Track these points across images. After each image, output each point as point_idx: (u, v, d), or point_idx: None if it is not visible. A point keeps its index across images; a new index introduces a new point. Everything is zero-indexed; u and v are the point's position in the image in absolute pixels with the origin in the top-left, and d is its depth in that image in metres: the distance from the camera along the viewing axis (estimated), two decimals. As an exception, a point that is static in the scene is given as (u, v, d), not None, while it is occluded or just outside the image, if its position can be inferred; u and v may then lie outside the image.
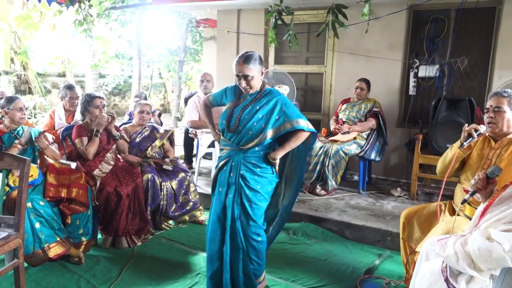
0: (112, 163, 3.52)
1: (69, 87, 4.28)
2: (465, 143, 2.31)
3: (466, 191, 2.08)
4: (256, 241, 2.48)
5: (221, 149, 2.60)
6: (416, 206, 2.68)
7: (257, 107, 2.44)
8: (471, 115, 3.92)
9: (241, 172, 2.44)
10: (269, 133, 2.42)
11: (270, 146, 2.51)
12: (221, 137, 2.59)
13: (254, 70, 2.39)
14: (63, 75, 12.62)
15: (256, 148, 2.45)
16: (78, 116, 4.13)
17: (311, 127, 2.49)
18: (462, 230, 2.10)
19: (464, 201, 2.07)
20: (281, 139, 2.51)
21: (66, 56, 12.67)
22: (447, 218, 2.45)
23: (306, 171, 3.84)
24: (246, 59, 2.37)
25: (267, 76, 5.51)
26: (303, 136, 2.49)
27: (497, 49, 4.36)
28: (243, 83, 2.42)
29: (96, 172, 3.40)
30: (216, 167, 2.58)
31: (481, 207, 1.97)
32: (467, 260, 1.71)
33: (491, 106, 2.34)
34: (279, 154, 2.48)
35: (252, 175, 2.45)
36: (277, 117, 2.44)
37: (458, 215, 2.42)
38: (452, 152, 2.41)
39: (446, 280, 1.78)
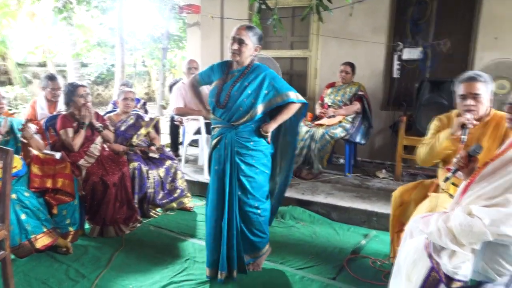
0: (97, 154, 3.48)
1: (51, 78, 4.20)
2: (464, 138, 2.22)
3: (449, 169, 2.12)
4: (256, 214, 2.57)
5: (212, 128, 2.62)
6: (409, 184, 2.68)
7: (246, 83, 2.46)
8: (454, 97, 3.96)
9: (235, 148, 2.48)
10: (260, 108, 2.46)
11: (261, 120, 2.53)
12: (212, 115, 2.59)
13: (250, 40, 2.42)
14: (43, 65, 12.36)
15: (248, 123, 2.48)
16: (61, 106, 4.07)
17: (301, 98, 2.52)
18: (445, 208, 2.16)
19: (446, 179, 2.11)
20: (272, 111, 2.54)
21: (46, 45, 12.40)
22: (430, 197, 2.50)
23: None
24: (248, 27, 2.44)
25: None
26: (294, 108, 2.52)
27: (479, 30, 4.42)
28: (235, 45, 2.42)
29: (81, 162, 3.37)
30: (210, 147, 2.62)
31: (463, 184, 2.02)
32: (449, 235, 1.76)
33: (469, 93, 2.29)
34: (271, 127, 2.51)
35: (246, 150, 2.50)
36: (266, 92, 2.46)
37: (445, 191, 2.47)
38: (445, 144, 2.36)
39: (430, 256, 1.83)
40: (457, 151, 2.26)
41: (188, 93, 2.81)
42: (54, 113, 4.05)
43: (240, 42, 2.41)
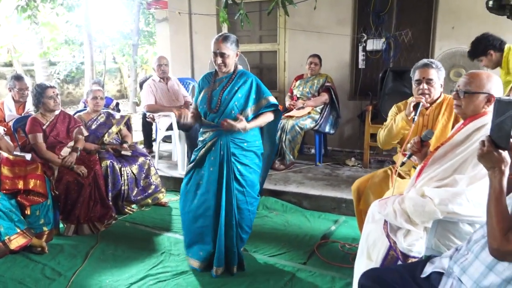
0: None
1: (17, 78, 4.14)
2: (415, 117, 2.40)
3: (404, 154, 2.26)
4: (249, 211, 2.73)
5: (203, 132, 2.75)
6: (365, 176, 2.83)
7: (236, 88, 2.64)
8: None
9: (230, 149, 2.62)
10: (250, 111, 2.63)
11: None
12: (204, 120, 2.73)
13: (230, 50, 2.57)
14: (9, 64, 12.02)
15: None
16: (29, 106, 4.03)
17: (276, 101, 2.73)
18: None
19: (402, 164, 2.27)
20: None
21: (11, 45, 12.04)
22: (397, 183, 2.64)
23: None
24: (224, 38, 2.56)
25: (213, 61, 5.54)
26: (271, 117, 2.71)
27: (438, 20, 4.62)
28: (219, 60, 2.57)
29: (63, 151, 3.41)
30: (199, 149, 2.72)
31: (418, 168, 2.17)
32: (404, 216, 1.91)
33: (423, 78, 2.48)
34: (250, 125, 2.59)
35: (241, 151, 2.65)
36: (254, 96, 2.66)
37: (402, 177, 2.63)
38: (400, 125, 2.53)
39: (387, 236, 1.97)
40: (412, 131, 2.44)
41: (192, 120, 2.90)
42: (23, 114, 4.02)
43: (222, 55, 2.56)
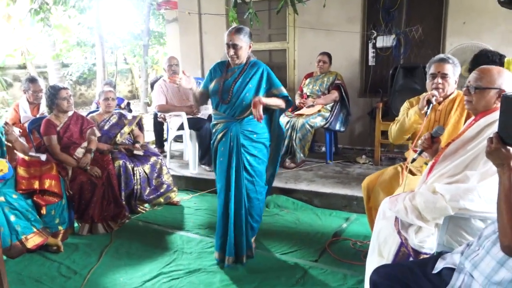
0: (81, 156, 3.53)
1: (32, 80, 4.22)
2: (428, 111, 2.41)
3: (415, 151, 2.26)
4: (258, 200, 2.81)
5: (215, 124, 2.82)
6: (375, 173, 2.82)
7: (247, 79, 2.69)
8: (426, 81, 4.11)
9: (240, 140, 2.68)
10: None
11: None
12: (215, 111, 2.80)
13: (243, 41, 2.62)
14: (23, 67, 12.22)
15: (251, 116, 2.68)
16: (43, 108, 4.11)
17: (287, 93, 2.80)
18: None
19: (413, 160, 2.26)
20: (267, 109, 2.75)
21: (25, 47, 12.25)
22: (408, 180, 2.64)
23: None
24: (237, 30, 2.62)
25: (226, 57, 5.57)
26: (284, 102, 2.76)
27: (448, 16, 4.57)
28: (231, 51, 2.64)
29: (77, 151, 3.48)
30: (213, 141, 2.82)
31: (429, 164, 2.17)
32: (415, 212, 1.91)
33: (438, 72, 2.48)
34: (265, 100, 2.63)
35: (250, 142, 2.71)
36: (265, 85, 2.71)
37: (413, 174, 2.63)
38: (413, 118, 2.53)
39: (398, 233, 1.97)
40: (423, 126, 2.44)
41: (196, 103, 3.00)
42: (37, 115, 4.10)
43: (235, 46, 2.62)
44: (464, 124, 2.46)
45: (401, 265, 1.69)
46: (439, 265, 1.52)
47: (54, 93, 3.47)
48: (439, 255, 1.61)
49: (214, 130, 2.83)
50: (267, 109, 2.77)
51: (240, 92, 2.67)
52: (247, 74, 2.70)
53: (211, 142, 2.88)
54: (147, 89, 11.39)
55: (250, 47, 2.71)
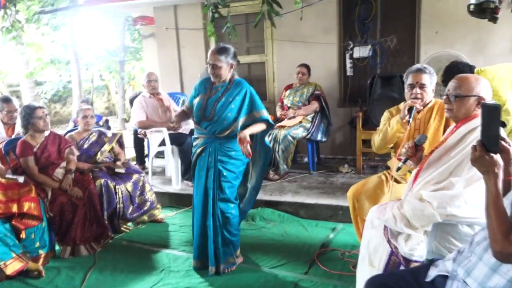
0: (61, 178, 3.44)
1: (5, 100, 4.10)
2: (410, 119, 2.46)
3: (400, 159, 2.29)
4: (232, 215, 2.82)
5: (196, 138, 2.89)
6: (359, 182, 2.85)
7: (230, 99, 2.75)
8: (403, 90, 4.19)
9: (218, 156, 2.75)
10: (241, 121, 2.75)
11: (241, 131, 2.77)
12: (197, 126, 2.86)
13: (223, 62, 2.68)
14: (-5, 86, 11.92)
15: (231, 135, 2.75)
16: (18, 128, 3.99)
17: (268, 116, 2.86)
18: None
19: (398, 169, 2.29)
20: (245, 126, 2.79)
21: (-4, 66, 11.95)
22: (393, 188, 2.66)
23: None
24: (218, 50, 2.69)
25: (206, 70, 5.57)
26: (263, 126, 2.82)
27: (421, 26, 4.71)
28: (211, 71, 2.72)
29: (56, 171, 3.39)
30: (193, 154, 2.88)
31: (413, 172, 2.20)
32: (403, 220, 1.92)
33: (417, 82, 2.53)
34: (247, 132, 2.66)
35: (228, 159, 2.77)
36: (247, 107, 2.77)
37: (398, 182, 2.66)
38: (396, 128, 2.56)
39: (388, 241, 1.98)
40: (406, 135, 2.49)
41: (178, 118, 3.06)
42: (13, 136, 3.97)
43: (214, 66, 2.69)
44: (443, 131, 2.53)
45: (394, 274, 1.69)
46: (432, 273, 1.53)
47: (30, 113, 3.37)
48: (430, 262, 1.63)
49: (194, 144, 2.90)
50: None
51: (223, 111, 2.72)
52: (230, 94, 2.76)
53: (191, 155, 2.93)
54: (124, 105, 11.26)
55: (232, 66, 2.76)
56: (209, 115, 2.74)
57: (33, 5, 7.99)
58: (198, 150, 2.83)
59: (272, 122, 2.90)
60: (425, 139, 2.19)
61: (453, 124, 2.17)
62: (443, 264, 1.54)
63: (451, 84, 2.03)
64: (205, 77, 2.91)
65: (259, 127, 2.78)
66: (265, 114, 2.81)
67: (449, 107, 2.02)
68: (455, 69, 3.44)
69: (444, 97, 2.05)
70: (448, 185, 1.90)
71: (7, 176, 3.18)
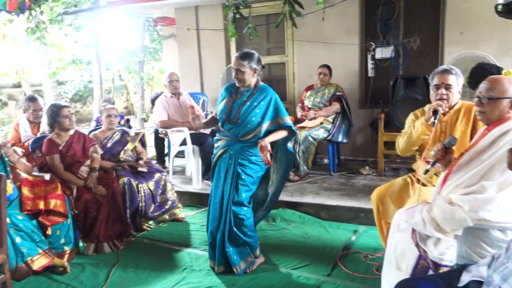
0: (85, 175, 3.50)
1: (32, 99, 4.20)
2: (435, 121, 2.41)
3: (428, 162, 2.25)
4: (245, 216, 2.82)
5: (218, 139, 2.93)
6: (384, 185, 2.81)
7: (255, 103, 2.78)
8: (427, 91, 4.13)
9: (238, 159, 2.77)
10: (264, 127, 2.77)
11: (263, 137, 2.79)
12: (220, 128, 2.91)
13: (246, 67, 2.73)
14: (18, 85, 12.17)
15: (253, 139, 2.77)
16: (44, 127, 4.07)
17: (292, 124, 2.88)
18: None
19: (426, 171, 2.25)
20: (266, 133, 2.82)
21: (19, 66, 12.21)
22: (420, 191, 2.61)
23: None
24: (242, 55, 2.74)
25: (229, 71, 5.58)
26: (286, 132, 2.84)
27: (445, 27, 4.63)
28: (235, 76, 2.78)
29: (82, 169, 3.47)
30: (214, 155, 2.91)
31: (442, 175, 2.16)
32: (433, 224, 1.89)
33: (442, 83, 2.49)
34: (268, 140, 2.70)
35: (248, 163, 2.80)
36: (271, 113, 2.79)
37: (424, 185, 2.61)
38: (420, 130, 2.51)
39: (417, 245, 1.95)
40: (431, 137, 2.44)
41: (208, 123, 3.10)
42: (38, 134, 4.06)
43: (238, 72, 2.75)
44: (470, 134, 2.49)
45: (424, 279, 1.66)
46: (465, 278, 1.50)
47: (56, 111, 3.43)
48: (463, 267, 1.59)
49: (216, 145, 2.93)
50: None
51: (247, 115, 2.76)
52: (255, 99, 2.80)
53: (212, 156, 2.97)
54: (143, 105, 11.36)
55: (255, 71, 2.79)
56: (233, 119, 2.78)
57: (56, 6, 8.14)
58: (220, 152, 2.86)
59: (295, 130, 2.92)
60: (455, 142, 2.14)
61: (483, 127, 2.13)
62: (477, 270, 1.51)
63: (483, 86, 1.99)
64: (231, 83, 2.96)
65: (280, 134, 2.81)
66: (288, 121, 2.84)
67: (481, 109, 1.98)
68: (482, 71, 3.38)
69: (476, 99, 2.01)
70: (479, 189, 1.86)
71: (33, 173, 3.25)
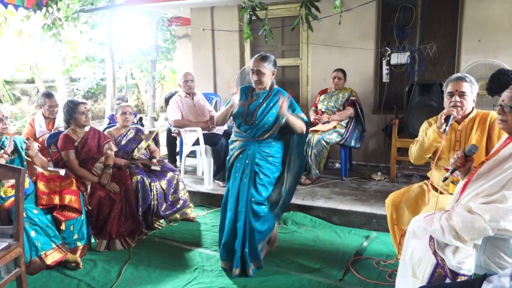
0: (100, 172, 3.52)
1: (48, 95, 4.23)
2: (446, 128, 2.41)
3: (447, 170, 2.23)
4: (264, 213, 2.88)
5: (233, 141, 2.98)
6: (399, 190, 2.80)
7: (271, 104, 2.86)
8: (442, 98, 4.09)
9: (255, 159, 2.83)
10: (282, 122, 2.82)
11: (279, 137, 2.92)
12: (237, 129, 2.96)
13: (267, 69, 2.81)
14: (31, 81, 12.31)
15: (269, 139, 2.86)
16: (59, 122, 4.11)
17: (306, 119, 2.98)
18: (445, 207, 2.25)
19: (445, 179, 2.22)
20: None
21: (33, 62, 12.34)
22: (435, 199, 2.58)
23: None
24: (262, 58, 2.82)
25: (244, 72, 5.59)
26: (303, 125, 2.90)
27: (463, 34, 4.59)
28: (255, 77, 2.82)
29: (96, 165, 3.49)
30: (230, 156, 2.95)
31: (461, 183, 2.13)
32: (452, 232, 1.86)
33: (456, 90, 2.49)
34: (290, 117, 2.82)
35: (265, 163, 2.85)
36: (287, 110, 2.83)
37: (441, 193, 2.59)
38: (432, 137, 2.51)
39: (434, 253, 1.93)
40: (443, 144, 2.45)
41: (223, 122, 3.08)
42: (53, 130, 4.09)
43: (258, 73, 2.81)
44: (486, 143, 2.47)
45: (443, 287, 1.64)
46: (486, 288, 1.48)
47: (73, 107, 3.47)
48: (483, 277, 1.57)
49: (232, 146, 2.98)
50: (284, 134, 2.96)
51: (263, 116, 2.83)
52: (271, 100, 2.87)
53: (227, 157, 3.01)
54: (154, 104, 11.42)
55: (273, 74, 2.88)
56: (250, 120, 2.85)
57: (72, 3, 8.22)
58: (236, 152, 2.90)
59: (308, 128, 2.98)
60: (476, 150, 2.12)
61: (505, 136, 2.10)
62: (499, 280, 1.48)
63: (506, 94, 1.96)
64: (246, 85, 3.01)
65: (299, 122, 2.87)
66: (303, 116, 2.92)
67: (503, 118, 1.96)
68: (504, 76, 3.34)
69: (498, 107, 1.99)
70: (500, 198, 1.83)
71: (49, 168, 3.28)
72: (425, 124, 2.74)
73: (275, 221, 3.06)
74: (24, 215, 2.74)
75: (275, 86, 2.96)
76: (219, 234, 3.01)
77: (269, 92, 2.90)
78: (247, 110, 2.86)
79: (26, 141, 3.04)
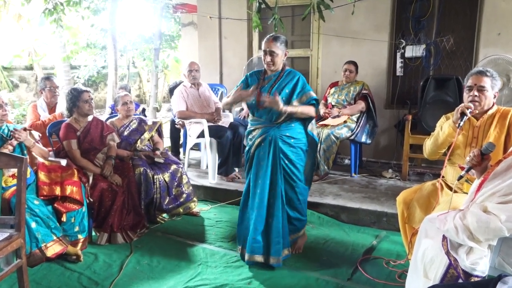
0: (101, 163, 3.39)
1: (47, 78, 4.15)
2: (461, 123, 2.33)
3: (462, 168, 2.13)
4: (299, 201, 2.87)
5: (251, 130, 2.90)
6: (411, 188, 2.70)
7: (283, 84, 2.80)
8: (459, 94, 3.95)
9: (278, 144, 2.76)
10: (295, 103, 2.77)
11: (299, 120, 2.84)
12: (252, 117, 2.91)
13: (279, 49, 2.75)
14: (30, 68, 12.07)
15: (288, 121, 2.78)
16: (60, 108, 3.97)
17: (317, 97, 2.88)
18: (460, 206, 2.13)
19: (460, 177, 2.14)
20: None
21: (32, 48, 12.11)
22: (448, 197, 2.47)
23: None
24: (275, 38, 2.76)
25: (251, 63, 5.43)
26: (311, 110, 2.81)
27: (482, 26, 4.41)
28: (268, 58, 2.76)
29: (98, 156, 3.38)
30: (250, 146, 2.87)
31: (476, 182, 2.02)
32: (466, 232, 1.76)
33: (475, 84, 2.40)
34: (290, 109, 2.73)
35: (288, 147, 2.78)
36: (299, 91, 2.80)
37: (455, 191, 2.46)
38: (447, 132, 2.44)
39: (447, 253, 1.82)
40: (457, 138, 2.37)
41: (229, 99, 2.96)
42: (57, 117, 3.95)
43: (271, 53, 2.74)
44: (505, 141, 2.36)
45: (456, 286, 1.52)
46: (502, 289, 1.36)
47: (77, 95, 3.34)
48: (498, 278, 1.47)
49: (251, 136, 2.90)
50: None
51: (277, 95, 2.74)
52: (283, 80, 2.82)
53: (247, 148, 2.93)
54: (156, 94, 11.20)
55: (285, 54, 2.83)
56: (263, 103, 2.74)
57: (75, -13, 8.01)
58: (257, 141, 2.82)
59: (317, 106, 2.89)
60: (493, 148, 2.00)
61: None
62: (517, 282, 1.36)
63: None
64: (256, 70, 2.96)
65: (306, 109, 2.79)
66: (313, 94, 2.83)
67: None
68: None
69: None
70: (517, 198, 1.71)
71: (50, 158, 3.15)
72: (442, 119, 2.67)
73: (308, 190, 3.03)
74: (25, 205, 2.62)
75: (287, 68, 2.89)
76: (241, 225, 2.93)
77: (281, 73, 2.84)
78: (259, 94, 2.79)
79: (13, 131, 2.86)
